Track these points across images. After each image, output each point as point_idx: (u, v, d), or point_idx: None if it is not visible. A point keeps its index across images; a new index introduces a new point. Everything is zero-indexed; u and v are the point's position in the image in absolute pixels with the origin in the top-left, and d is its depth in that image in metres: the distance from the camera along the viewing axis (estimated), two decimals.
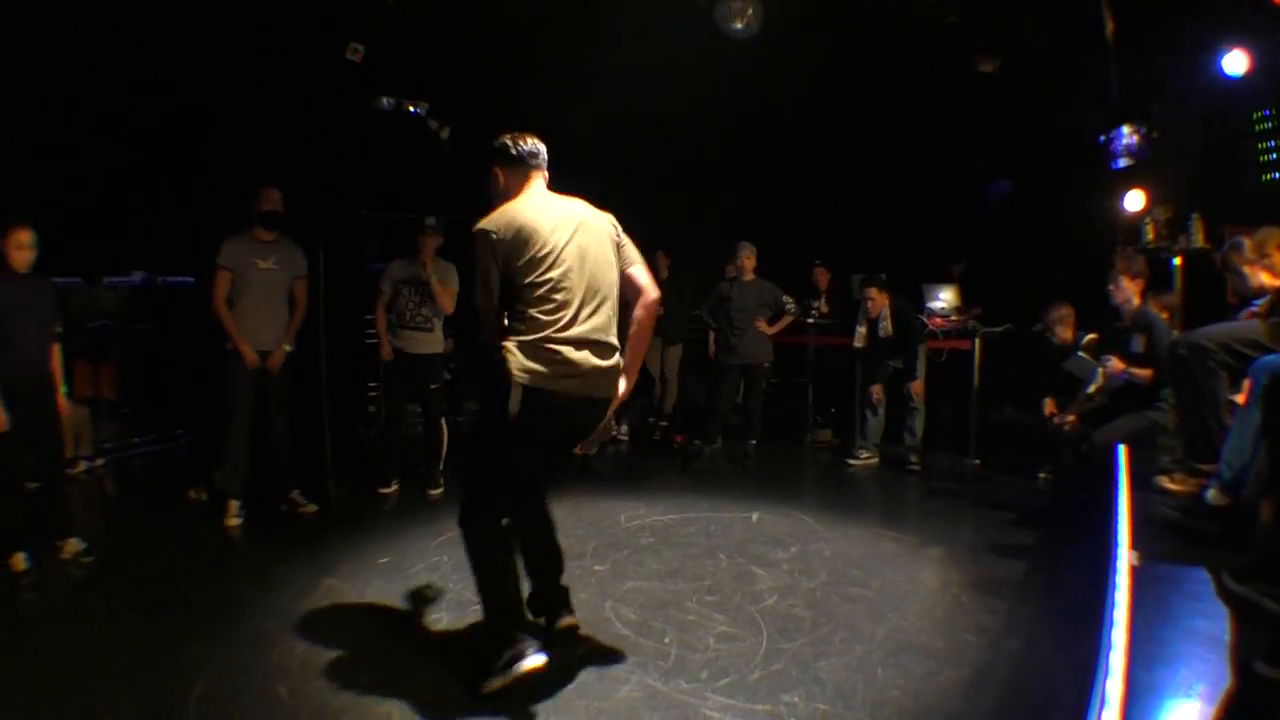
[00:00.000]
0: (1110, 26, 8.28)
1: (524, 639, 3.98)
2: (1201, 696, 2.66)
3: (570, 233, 4.07)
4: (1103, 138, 8.56)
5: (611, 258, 4.23)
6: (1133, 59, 8.30)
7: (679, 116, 11.15)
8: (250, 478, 6.97)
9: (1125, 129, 8.31)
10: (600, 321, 4.09)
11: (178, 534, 6.82)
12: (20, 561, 5.59)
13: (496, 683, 3.88)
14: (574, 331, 3.97)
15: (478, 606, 4.35)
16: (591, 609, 4.94)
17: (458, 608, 4.99)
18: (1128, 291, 6.65)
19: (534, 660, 3.93)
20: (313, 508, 7.15)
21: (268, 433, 7.02)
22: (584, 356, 3.98)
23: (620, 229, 4.36)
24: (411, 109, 10.21)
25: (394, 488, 7.82)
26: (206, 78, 8.89)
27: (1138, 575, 3.45)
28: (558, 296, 3.95)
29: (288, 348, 7.01)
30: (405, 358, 7.77)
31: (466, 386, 11.70)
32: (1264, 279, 4.92)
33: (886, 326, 8.94)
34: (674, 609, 4.97)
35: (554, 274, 3.95)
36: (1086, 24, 8.35)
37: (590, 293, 4.06)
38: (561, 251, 3.99)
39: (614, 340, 4.20)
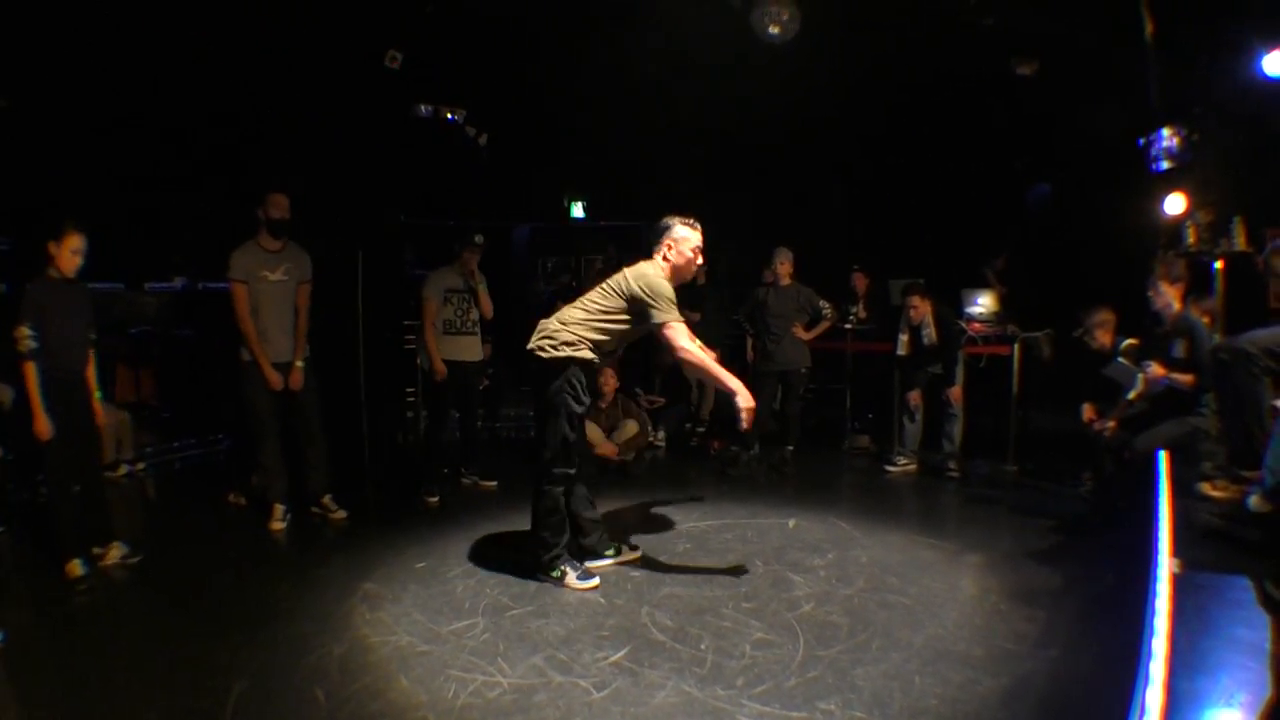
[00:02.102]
0: (1150, 28, 8.21)
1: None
2: (1243, 706, 2.62)
3: None
4: (1142, 140, 8.49)
5: None
6: (1172, 60, 8.22)
7: (716, 121, 11.18)
8: (290, 482, 7.05)
9: (1165, 131, 8.24)
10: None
11: (217, 537, 6.95)
12: (77, 568, 5.66)
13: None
14: None
15: (515, 611, 4.74)
16: (628, 614, 4.97)
17: (494, 611, 5.02)
18: (1168, 296, 6.58)
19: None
20: (343, 513, 7.20)
21: (298, 441, 7.10)
22: None
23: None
24: (449, 116, 10.28)
25: (437, 499, 7.83)
26: (247, 84, 8.97)
27: (1179, 583, 3.42)
28: None
29: (300, 364, 7.01)
30: (455, 365, 7.92)
31: (504, 392, 11.78)
32: None
33: (930, 333, 8.87)
34: (710, 615, 4.96)
35: None
36: (1125, 25, 8.28)
37: None
38: None
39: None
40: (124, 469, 8.75)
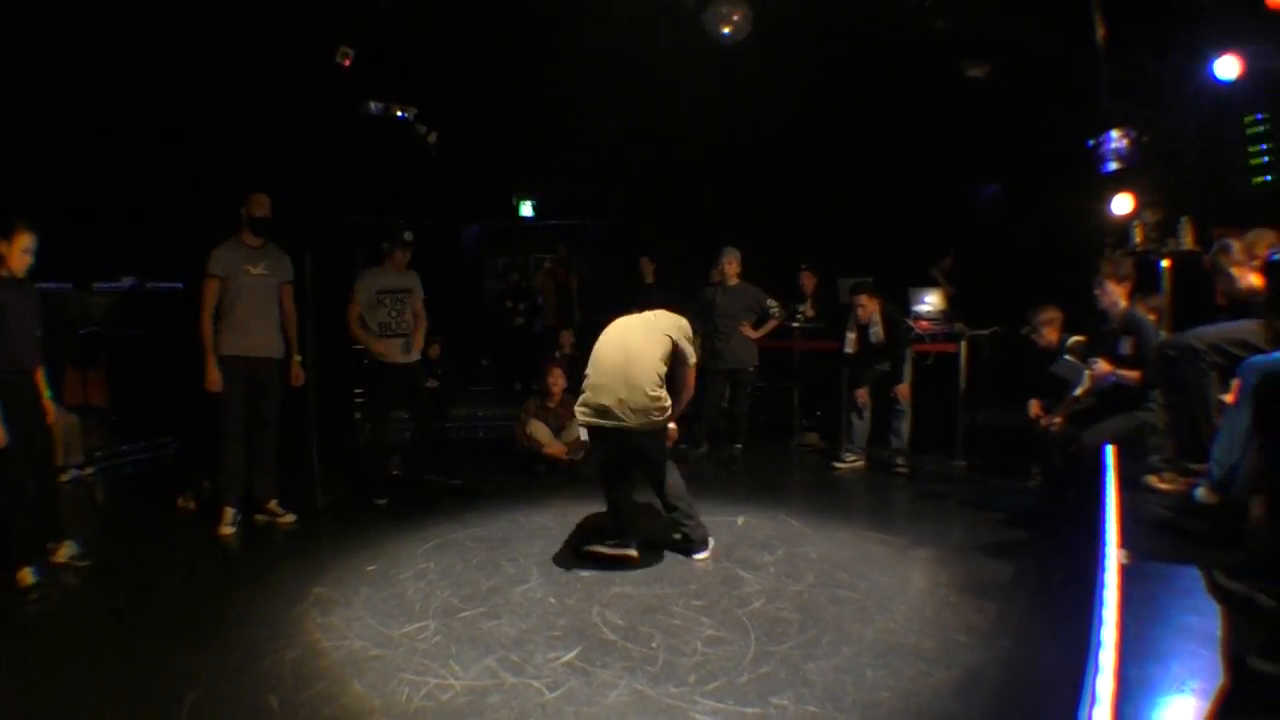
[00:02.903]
0: (1101, 31, 8.30)
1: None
2: (1195, 692, 2.63)
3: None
4: (1091, 141, 8.58)
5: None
6: (1123, 63, 8.32)
7: (666, 121, 11.17)
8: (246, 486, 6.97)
9: (1114, 133, 8.35)
10: None
11: (168, 542, 6.79)
12: (28, 576, 5.49)
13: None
14: None
15: (466, 612, 4.82)
16: (578, 614, 4.95)
17: (445, 614, 4.97)
18: (1114, 295, 6.66)
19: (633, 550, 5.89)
20: (291, 517, 7.10)
21: (258, 441, 7.00)
22: None
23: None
24: (399, 113, 10.18)
25: (385, 501, 7.75)
26: (196, 82, 8.84)
27: (1128, 573, 3.44)
28: None
29: (299, 358, 7.07)
30: (395, 368, 7.82)
31: (453, 392, 11.70)
32: (1253, 280, 4.92)
33: (878, 332, 8.91)
34: (661, 613, 4.94)
35: None
36: (1077, 28, 8.36)
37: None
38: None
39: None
40: (71, 473, 8.57)
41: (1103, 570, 3.54)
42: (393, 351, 7.81)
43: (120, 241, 10.33)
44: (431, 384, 9.85)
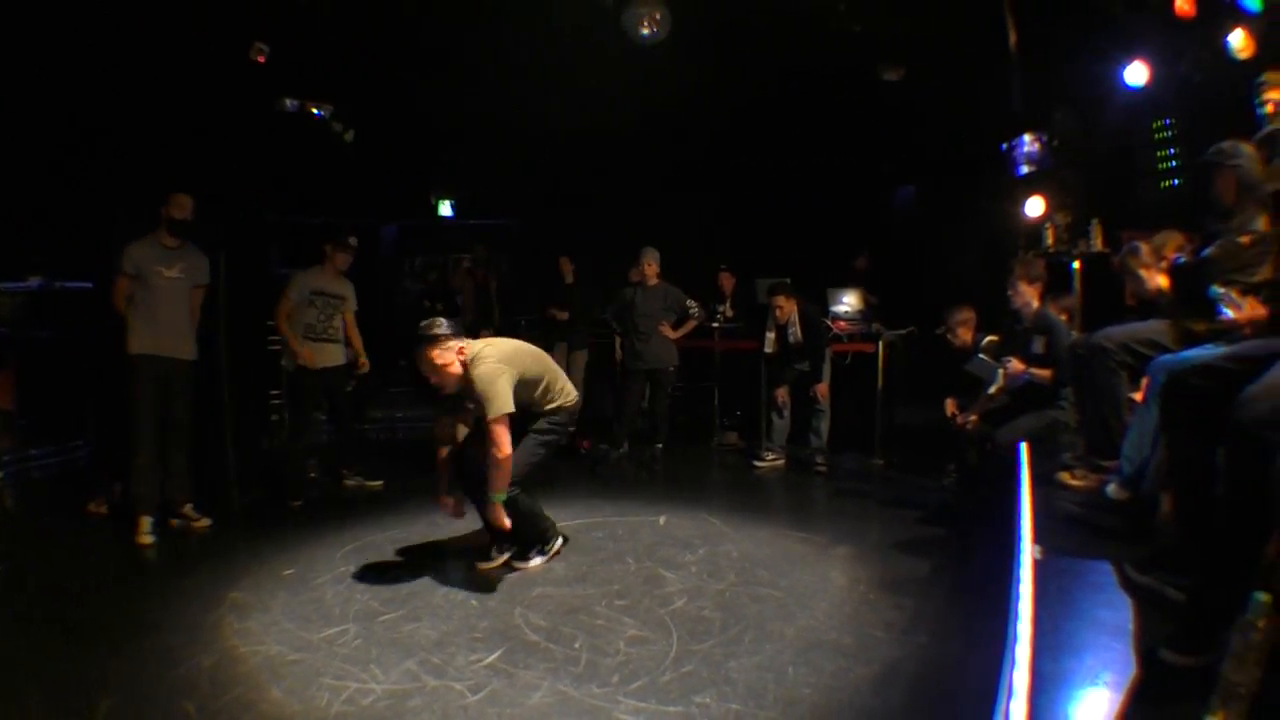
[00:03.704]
0: (1013, 37, 8.45)
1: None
2: (1108, 684, 2.69)
3: None
4: (1005, 145, 8.73)
5: None
6: (1035, 69, 8.48)
7: (585, 121, 11.15)
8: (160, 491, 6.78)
9: (1027, 137, 8.51)
10: None
11: (78, 547, 6.60)
12: None
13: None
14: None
15: (386, 615, 4.76)
16: (500, 616, 4.91)
17: (365, 617, 4.90)
18: (1026, 295, 6.78)
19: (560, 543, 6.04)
20: (206, 522, 6.92)
21: (171, 444, 6.84)
22: None
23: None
24: (315, 111, 10.05)
25: (301, 503, 7.65)
26: (106, 76, 8.64)
27: (1041, 569, 3.50)
28: None
29: (193, 359, 6.90)
30: (316, 372, 7.78)
31: (372, 394, 11.60)
32: (1161, 282, 5.03)
33: (796, 332, 8.99)
34: (583, 614, 4.93)
35: None
36: (990, 35, 8.50)
37: None
38: None
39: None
40: None
41: (1017, 566, 3.60)
42: (316, 356, 7.74)
43: (28, 240, 10.07)
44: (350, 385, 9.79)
